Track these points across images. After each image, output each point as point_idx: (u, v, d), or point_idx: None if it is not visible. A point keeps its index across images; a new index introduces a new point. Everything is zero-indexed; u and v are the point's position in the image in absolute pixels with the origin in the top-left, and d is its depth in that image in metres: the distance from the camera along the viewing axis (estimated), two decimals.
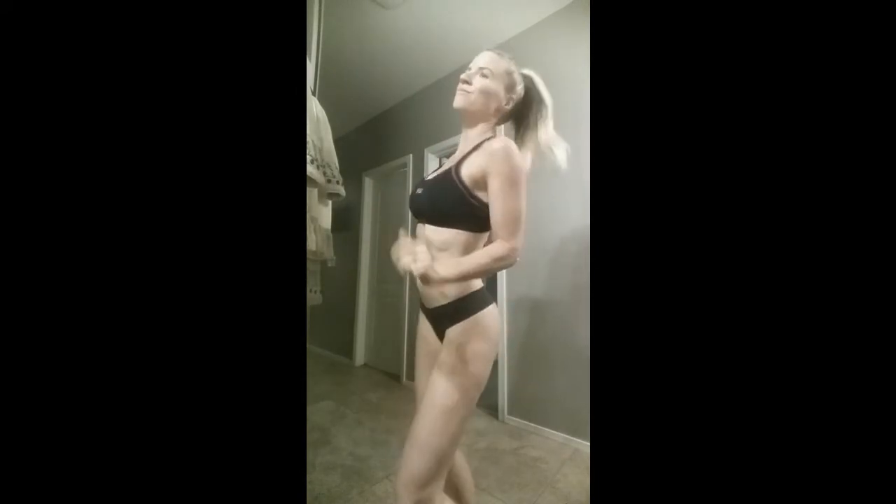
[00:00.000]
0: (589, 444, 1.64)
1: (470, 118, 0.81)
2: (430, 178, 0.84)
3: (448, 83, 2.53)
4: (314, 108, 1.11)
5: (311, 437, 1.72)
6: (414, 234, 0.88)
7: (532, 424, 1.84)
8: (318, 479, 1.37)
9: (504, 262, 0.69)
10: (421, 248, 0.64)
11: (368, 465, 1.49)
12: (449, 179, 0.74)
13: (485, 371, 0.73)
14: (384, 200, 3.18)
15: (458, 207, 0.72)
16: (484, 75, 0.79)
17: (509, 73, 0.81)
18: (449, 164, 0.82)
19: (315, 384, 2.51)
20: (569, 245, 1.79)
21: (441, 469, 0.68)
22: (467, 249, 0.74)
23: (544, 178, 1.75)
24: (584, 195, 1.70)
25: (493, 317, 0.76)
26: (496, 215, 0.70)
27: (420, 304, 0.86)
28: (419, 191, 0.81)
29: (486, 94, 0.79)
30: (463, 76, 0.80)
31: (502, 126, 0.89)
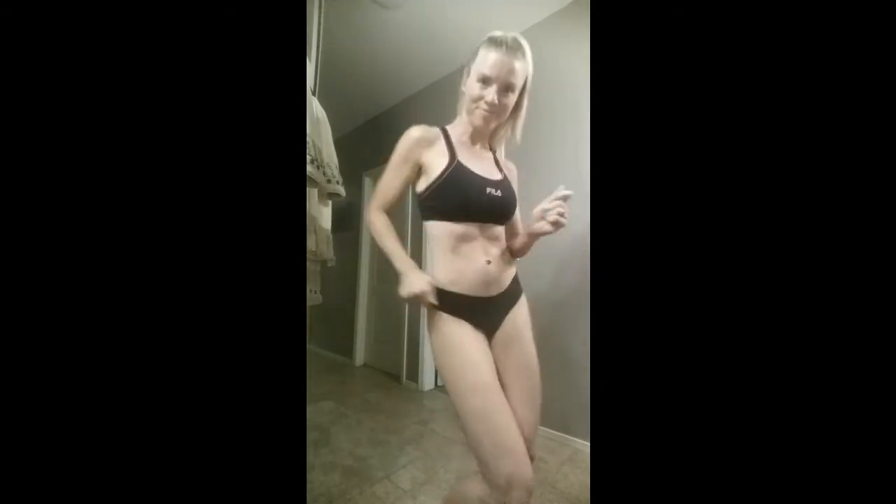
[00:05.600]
0: (589, 444, 1.64)
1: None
2: (494, 179, 0.82)
3: (448, 83, 2.53)
4: (314, 108, 1.11)
5: (311, 437, 1.72)
6: (474, 235, 0.87)
7: None
8: (318, 479, 1.37)
9: None
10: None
11: (368, 465, 1.49)
12: (509, 184, 0.87)
13: None
14: None
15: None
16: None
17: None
18: (497, 171, 0.88)
19: (315, 384, 2.51)
20: (568, 246, 1.79)
21: None
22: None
23: (544, 179, 1.75)
24: (584, 195, 1.70)
25: None
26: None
27: (475, 300, 0.80)
28: (496, 192, 0.80)
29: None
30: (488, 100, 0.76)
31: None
